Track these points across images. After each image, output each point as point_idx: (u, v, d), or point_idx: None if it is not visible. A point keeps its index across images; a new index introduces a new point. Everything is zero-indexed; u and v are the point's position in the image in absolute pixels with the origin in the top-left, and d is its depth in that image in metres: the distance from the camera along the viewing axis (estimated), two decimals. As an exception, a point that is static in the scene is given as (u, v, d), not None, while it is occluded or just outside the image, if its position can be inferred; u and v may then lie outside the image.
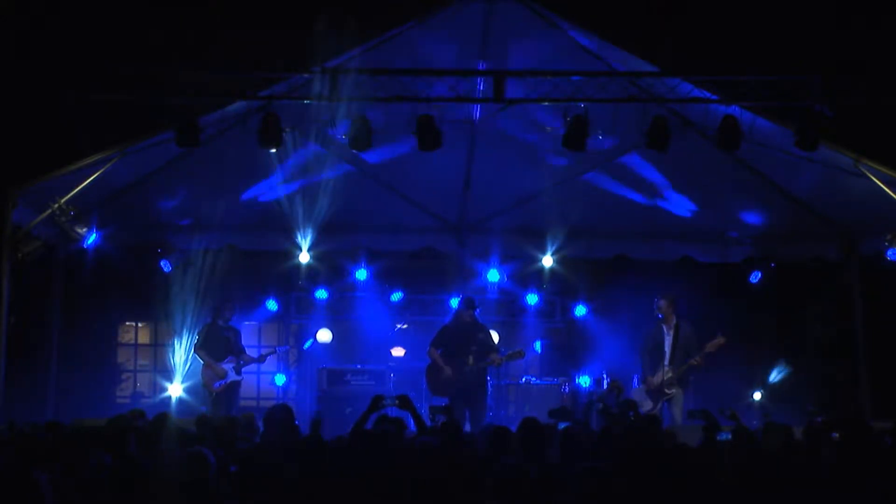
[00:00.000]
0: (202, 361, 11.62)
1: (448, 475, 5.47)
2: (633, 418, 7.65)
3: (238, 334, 12.02)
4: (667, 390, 10.72)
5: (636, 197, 12.17)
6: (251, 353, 12.42)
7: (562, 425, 6.84)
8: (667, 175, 11.62)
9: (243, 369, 11.93)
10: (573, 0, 9.30)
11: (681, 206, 12.37)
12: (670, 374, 10.74)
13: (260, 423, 8.55)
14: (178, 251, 12.47)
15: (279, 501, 5.41)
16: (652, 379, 10.81)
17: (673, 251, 13.10)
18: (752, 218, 12.55)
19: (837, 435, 6.74)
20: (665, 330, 10.99)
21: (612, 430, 7.38)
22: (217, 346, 11.65)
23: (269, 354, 12.56)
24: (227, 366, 11.60)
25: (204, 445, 6.26)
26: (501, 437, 6.35)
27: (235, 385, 11.73)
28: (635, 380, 11.22)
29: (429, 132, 9.13)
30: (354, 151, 9.78)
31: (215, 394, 11.52)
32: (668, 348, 10.90)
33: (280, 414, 6.93)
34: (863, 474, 5.41)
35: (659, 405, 10.67)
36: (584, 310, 13.86)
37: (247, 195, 11.95)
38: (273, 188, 11.79)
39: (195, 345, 11.76)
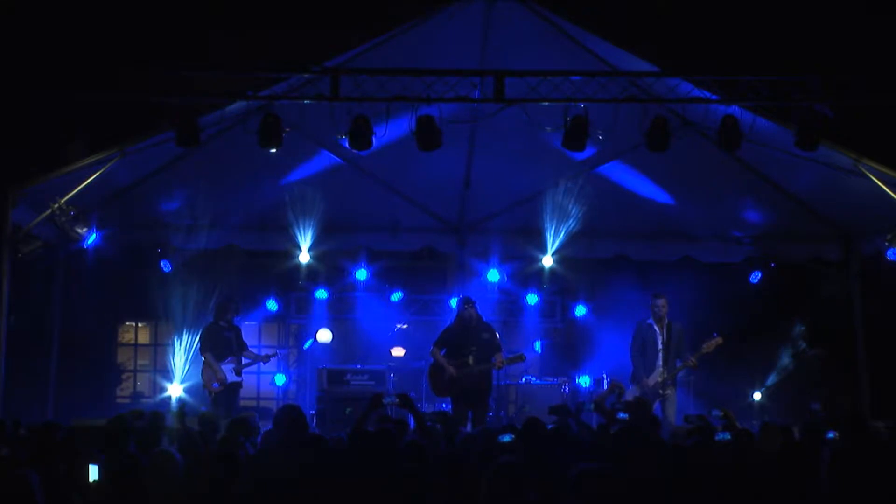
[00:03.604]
0: (208, 364, 11.54)
1: (446, 475, 5.47)
2: (626, 420, 7.62)
3: (239, 332, 11.99)
4: (661, 391, 10.62)
5: (636, 196, 12.18)
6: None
7: (550, 426, 6.81)
8: (667, 175, 11.62)
9: (244, 370, 11.89)
10: (573, 0, 9.31)
11: (680, 205, 12.37)
12: (665, 375, 10.65)
13: (260, 424, 8.57)
14: (178, 251, 12.46)
15: (280, 501, 5.41)
16: (647, 380, 10.69)
17: (673, 251, 13.09)
18: (752, 218, 12.55)
19: (835, 435, 6.75)
20: (657, 329, 10.87)
21: (608, 429, 7.39)
22: (219, 346, 11.63)
23: (272, 357, 12.52)
24: (227, 367, 11.58)
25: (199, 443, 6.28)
26: (491, 438, 6.37)
27: (235, 386, 11.69)
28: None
29: (429, 132, 9.12)
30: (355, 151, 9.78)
31: (214, 395, 11.49)
32: (661, 348, 10.79)
33: (293, 413, 6.87)
34: (861, 474, 5.41)
35: (653, 406, 10.55)
36: (584, 310, 13.86)
37: (247, 195, 11.95)
38: (273, 188, 11.81)
39: (201, 347, 11.68)
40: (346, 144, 9.33)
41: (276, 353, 12.94)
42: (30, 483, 4.69)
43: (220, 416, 9.10)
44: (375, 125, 9.08)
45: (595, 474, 4.89)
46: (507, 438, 6.23)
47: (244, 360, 11.78)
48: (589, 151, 9.65)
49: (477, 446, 6.40)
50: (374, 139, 9.18)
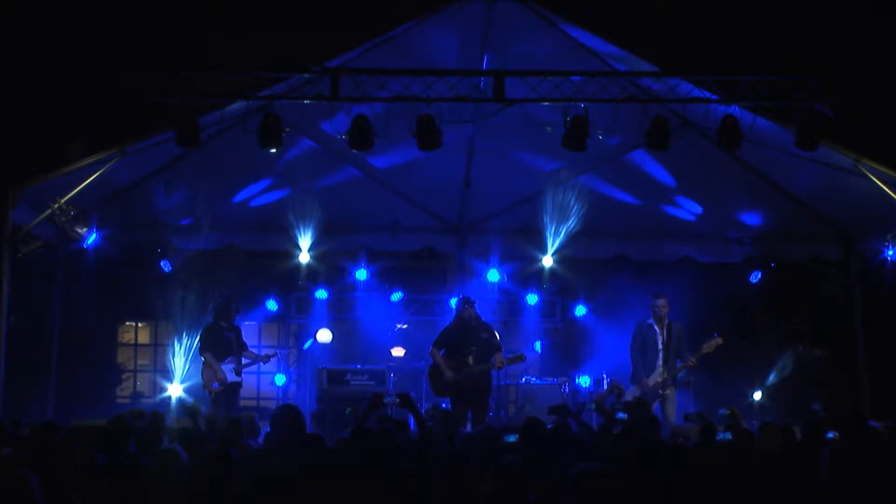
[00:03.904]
0: (208, 363, 11.52)
1: (446, 475, 5.47)
2: (625, 419, 7.62)
3: (239, 333, 11.97)
4: (661, 391, 10.60)
5: (636, 197, 12.18)
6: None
7: (550, 426, 6.81)
8: (667, 175, 11.62)
9: (244, 370, 11.87)
10: (573, 0, 9.32)
11: (681, 205, 12.37)
12: (665, 375, 10.63)
13: (259, 424, 8.57)
14: (178, 251, 12.46)
15: (280, 501, 5.41)
16: (647, 380, 10.67)
17: (673, 251, 13.09)
18: (752, 218, 12.55)
19: (835, 435, 6.76)
20: (657, 329, 10.82)
21: (609, 430, 7.39)
22: (219, 347, 11.61)
23: (272, 357, 12.49)
24: (227, 367, 11.57)
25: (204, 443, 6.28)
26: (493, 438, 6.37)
27: (235, 386, 11.67)
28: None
29: (429, 132, 9.11)
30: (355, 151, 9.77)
31: (214, 394, 11.48)
32: (661, 348, 10.77)
33: (292, 413, 6.88)
34: (861, 474, 5.41)
35: (653, 406, 10.51)
36: (584, 310, 13.86)
37: (247, 195, 11.95)
38: (273, 188, 11.81)
39: (200, 347, 11.66)
40: (347, 144, 9.33)
41: (276, 353, 12.91)
42: (29, 483, 4.69)
43: (220, 416, 9.10)
44: (375, 125, 9.08)
45: (595, 474, 4.89)
46: (512, 438, 6.22)
47: (244, 361, 11.77)
48: (589, 151, 9.63)
49: (477, 446, 6.41)
50: (374, 139, 9.19)
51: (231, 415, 10.16)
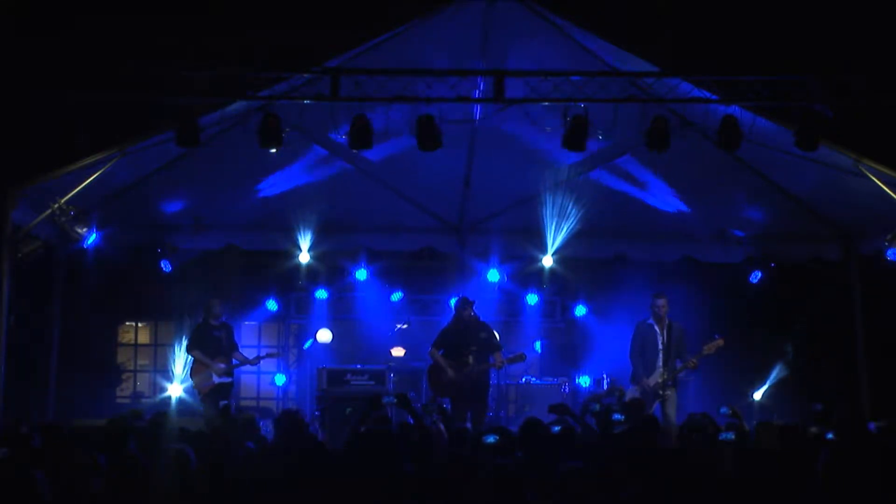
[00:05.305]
0: (198, 362, 11.51)
1: (446, 475, 5.47)
2: (621, 420, 7.61)
3: (231, 332, 11.96)
4: (661, 392, 10.60)
5: (636, 196, 12.18)
6: (249, 353, 12.36)
7: (555, 429, 6.79)
8: (667, 175, 11.61)
9: (240, 370, 11.83)
10: (573, 0, 9.30)
11: (680, 205, 12.37)
12: (665, 375, 10.63)
13: (260, 423, 8.57)
14: (178, 251, 12.46)
15: (280, 501, 5.41)
16: (647, 380, 10.67)
17: (673, 251, 13.10)
18: (752, 218, 12.55)
19: (834, 435, 6.76)
20: (657, 330, 10.85)
21: (607, 431, 7.40)
22: (208, 346, 11.60)
23: (264, 358, 12.46)
24: (217, 367, 11.56)
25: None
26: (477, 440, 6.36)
27: (226, 387, 11.63)
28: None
29: (429, 132, 9.12)
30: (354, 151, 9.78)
31: (203, 394, 11.46)
32: (661, 348, 10.78)
33: (295, 416, 6.91)
34: (860, 474, 5.41)
35: (653, 406, 10.54)
36: (584, 310, 13.87)
37: (246, 195, 11.95)
38: (273, 188, 11.81)
39: (188, 346, 11.69)
40: (346, 144, 9.33)
41: (268, 353, 12.75)
42: (37, 482, 4.69)
43: (216, 417, 9.10)
44: (375, 125, 9.08)
45: (592, 475, 4.89)
46: (490, 440, 6.16)
47: (234, 362, 11.75)
48: (589, 151, 9.63)
49: (468, 447, 6.41)
50: (373, 139, 9.19)
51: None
